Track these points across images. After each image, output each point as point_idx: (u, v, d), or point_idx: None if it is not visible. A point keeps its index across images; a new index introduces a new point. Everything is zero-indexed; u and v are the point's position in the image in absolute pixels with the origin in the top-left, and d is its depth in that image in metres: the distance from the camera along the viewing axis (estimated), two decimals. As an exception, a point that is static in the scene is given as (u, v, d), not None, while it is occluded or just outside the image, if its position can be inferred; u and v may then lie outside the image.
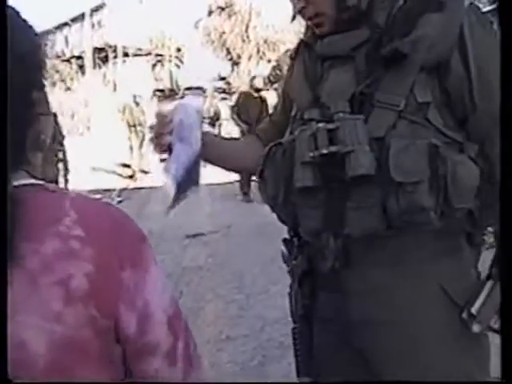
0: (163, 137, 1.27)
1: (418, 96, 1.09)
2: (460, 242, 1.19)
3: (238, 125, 8.20)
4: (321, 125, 1.10)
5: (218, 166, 1.43)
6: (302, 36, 1.35)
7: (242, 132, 8.04)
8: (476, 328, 1.13)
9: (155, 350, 0.75)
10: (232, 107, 8.60)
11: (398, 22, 1.12)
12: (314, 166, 1.10)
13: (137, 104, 10.97)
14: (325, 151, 1.08)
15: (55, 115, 7.16)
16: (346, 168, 1.06)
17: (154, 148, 1.31)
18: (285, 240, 1.31)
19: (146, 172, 10.81)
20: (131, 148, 11.13)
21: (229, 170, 1.50)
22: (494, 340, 1.24)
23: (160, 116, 1.29)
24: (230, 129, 12.25)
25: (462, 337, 1.15)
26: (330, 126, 1.09)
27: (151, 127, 1.32)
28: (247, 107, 8.03)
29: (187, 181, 1.26)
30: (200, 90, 12.77)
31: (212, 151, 1.34)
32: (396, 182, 1.04)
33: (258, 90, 8.34)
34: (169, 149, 1.27)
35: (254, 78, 8.66)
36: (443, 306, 1.14)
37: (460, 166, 1.06)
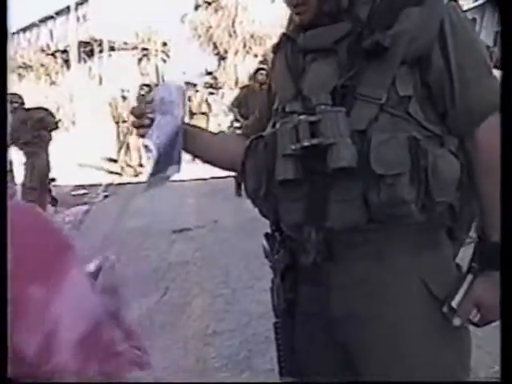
0: (145, 117, 1.26)
1: (399, 89, 1.10)
2: (441, 236, 1.20)
3: (237, 119, 8.11)
4: (302, 117, 1.10)
5: (197, 156, 1.41)
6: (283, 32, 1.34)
7: (240, 126, 7.95)
8: (457, 321, 1.14)
9: (63, 374, 0.64)
10: (233, 101, 8.50)
11: (379, 16, 1.13)
12: (295, 158, 1.10)
13: (124, 98, 10.79)
14: (306, 144, 1.08)
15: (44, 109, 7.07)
16: (328, 160, 1.06)
17: (137, 130, 1.30)
18: (267, 235, 1.30)
19: (131, 166, 10.75)
20: (118, 143, 11.00)
21: (207, 162, 1.45)
22: (478, 333, 1.26)
23: (141, 98, 1.29)
24: (217, 122, 12.23)
25: (443, 330, 1.16)
26: (312, 118, 1.09)
27: (133, 109, 1.31)
28: (248, 101, 7.91)
29: (168, 152, 1.25)
30: (190, 85, 12.69)
31: (192, 140, 1.33)
32: (377, 175, 1.05)
33: (261, 84, 8.15)
34: (150, 122, 1.27)
35: (257, 70, 8.36)
36: (424, 299, 1.15)
37: (440, 160, 1.07)
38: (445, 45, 1.11)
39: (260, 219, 1.32)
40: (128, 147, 10.76)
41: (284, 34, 1.31)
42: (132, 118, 1.32)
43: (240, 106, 8.00)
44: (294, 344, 1.25)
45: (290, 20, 1.29)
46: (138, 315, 3.53)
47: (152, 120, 1.26)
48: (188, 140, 1.31)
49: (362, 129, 1.08)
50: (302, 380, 1.26)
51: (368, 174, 1.06)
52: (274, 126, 1.22)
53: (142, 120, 1.27)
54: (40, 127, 6.74)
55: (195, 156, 1.39)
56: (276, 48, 1.33)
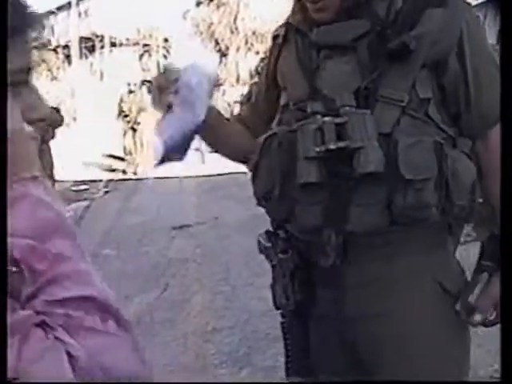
0: (165, 95, 1.17)
1: (419, 92, 1.09)
2: (446, 233, 1.20)
3: None
4: (327, 119, 1.07)
5: (214, 148, 1.36)
6: (287, 21, 1.27)
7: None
8: (477, 318, 1.15)
9: None
10: (244, 95, 8.48)
11: (402, 16, 1.11)
12: (318, 161, 1.07)
13: (130, 92, 10.61)
14: (333, 146, 1.05)
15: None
16: (355, 164, 1.04)
17: (153, 102, 1.21)
18: (267, 232, 1.27)
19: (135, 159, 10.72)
20: (124, 136, 10.81)
21: (222, 154, 1.40)
22: (478, 331, 1.27)
23: (167, 70, 1.18)
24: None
25: (456, 327, 1.18)
26: (338, 120, 1.06)
27: (157, 78, 1.21)
28: None
29: (178, 148, 1.16)
30: None
31: (212, 133, 1.27)
32: (405, 179, 1.04)
33: None
34: (168, 107, 1.15)
35: None
36: (439, 296, 1.16)
37: (458, 163, 1.08)
38: (462, 49, 1.10)
39: (260, 216, 1.31)
40: (135, 141, 10.63)
41: (290, 26, 1.25)
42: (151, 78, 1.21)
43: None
44: (302, 344, 1.23)
45: (295, 10, 1.24)
46: (139, 311, 3.53)
47: (170, 105, 1.14)
48: (209, 134, 1.24)
49: (387, 132, 1.07)
50: (309, 380, 1.25)
51: (394, 178, 1.05)
52: (281, 122, 1.19)
53: (161, 96, 1.18)
54: (58, 126, 6.99)
55: (212, 148, 1.35)
56: (281, 40, 1.26)
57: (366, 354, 1.17)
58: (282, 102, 1.23)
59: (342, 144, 1.05)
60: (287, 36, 1.26)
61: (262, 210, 1.26)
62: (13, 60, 0.58)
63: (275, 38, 1.30)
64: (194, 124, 1.13)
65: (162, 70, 1.17)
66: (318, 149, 1.07)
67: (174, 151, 1.15)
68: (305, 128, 1.09)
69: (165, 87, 1.16)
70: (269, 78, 1.32)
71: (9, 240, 0.53)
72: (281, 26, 1.29)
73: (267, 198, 1.18)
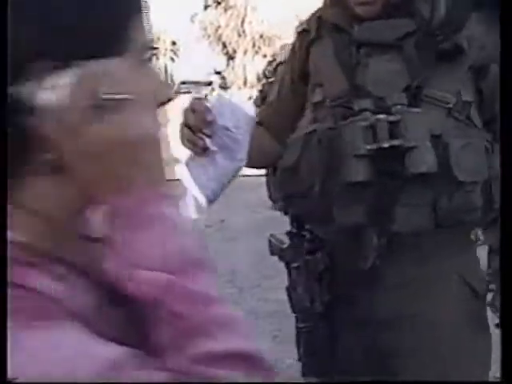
0: (199, 137, 1.00)
1: (463, 94, 1.08)
2: (474, 235, 1.23)
3: None
4: (381, 116, 1.04)
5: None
6: (318, 15, 1.22)
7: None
8: None
9: None
10: (257, 98, 8.46)
11: (448, 18, 1.08)
12: (368, 159, 1.05)
13: None
14: (386, 145, 1.03)
15: None
16: (407, 164, 1.03)
17: (182, 142, 1.05)
18: (289, 233, 1.24)
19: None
20: None
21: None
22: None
23: (202, 107, 1.00)
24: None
25: (482, 327, 1.18)
26: (392, 118, 1.04)
27: (186, 116, 1.04)
28: None
29: (218, 196, 1.06)
30: (199, 83, 12.59)
31: None
32: (457, 181, 1.04)
33: None
34: (202, 150, 1.01)
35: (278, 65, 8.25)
36: (465, 297, 1.16)
37: (497, 166, 1.07)
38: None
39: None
40: None
41: (324, 21, 1.20)
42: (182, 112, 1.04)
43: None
44: (326, 346, 1.20)
45: (326, 4, 1.21)
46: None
47: (206, 148, 0.99)
48: None
49: (438, 133, 1.05)
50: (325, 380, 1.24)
51: (443, 179, 1.04)
52: (315, 119, 1.15)
53: (196, 138, 1.00)
54: None
55: None
56: (315, 35, 1.21)
57: (397, 355, 1.15)
58: (316, 98, 1.18)
59: (395, 142, 1.03)
60: (320, 31, 1.21)
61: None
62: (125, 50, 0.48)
63: (302, 32, 1.25)
64: (236, 170, 1.03)
65: (190, 108, 1.02)
66: (369, 147, 1.04)
67: (215, 200, 1.05)
68: (354, 125, 1.06)
69: (198, 128, 1.01)
70: (295, 73, 1.27)
71: (139, 272, 0.44)
72: (309, 21, 1.25)
73: (302, 196, 1.14)
